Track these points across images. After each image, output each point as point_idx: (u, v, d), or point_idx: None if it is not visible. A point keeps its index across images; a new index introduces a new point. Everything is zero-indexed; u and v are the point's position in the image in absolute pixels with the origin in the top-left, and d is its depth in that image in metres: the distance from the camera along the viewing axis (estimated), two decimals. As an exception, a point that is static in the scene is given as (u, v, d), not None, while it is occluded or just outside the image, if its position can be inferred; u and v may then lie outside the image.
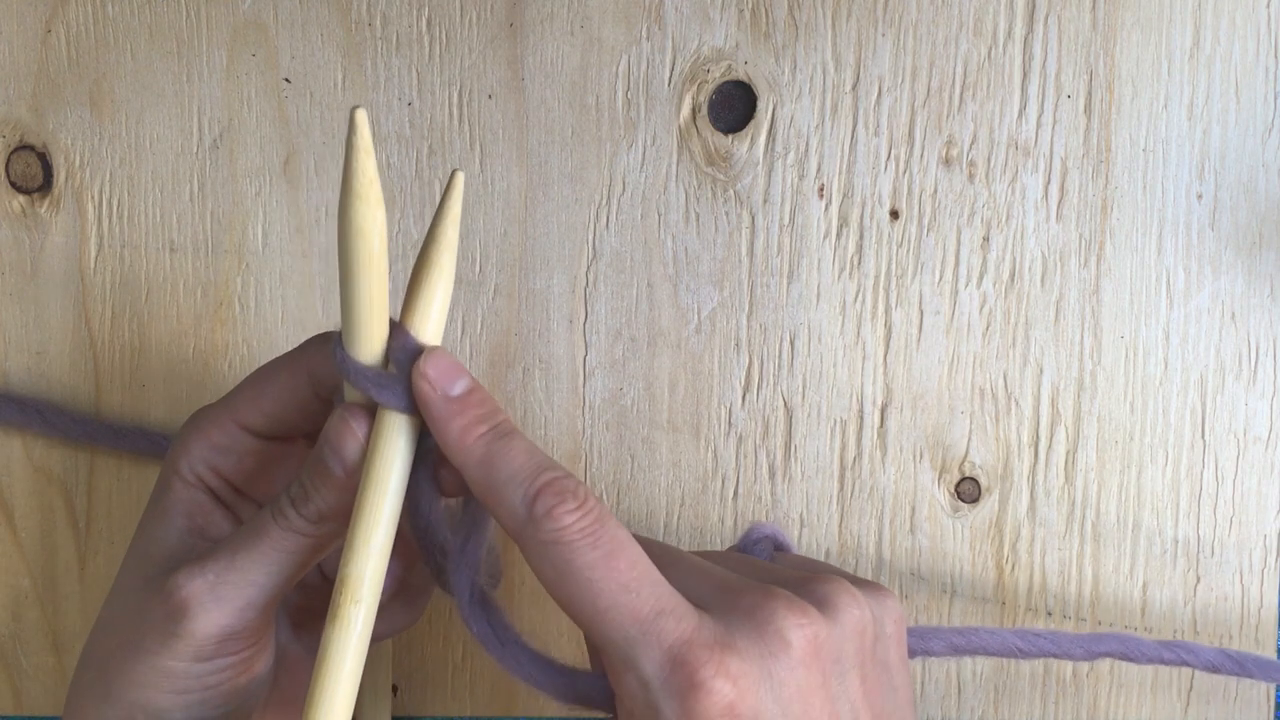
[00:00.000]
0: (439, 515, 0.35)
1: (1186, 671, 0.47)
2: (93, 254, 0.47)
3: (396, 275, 0.47)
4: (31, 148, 0.47)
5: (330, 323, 0.47)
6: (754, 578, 0.34)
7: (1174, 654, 0.44)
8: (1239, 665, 0.45)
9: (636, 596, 0.32)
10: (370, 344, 0.34)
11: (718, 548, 0.48)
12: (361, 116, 0.32)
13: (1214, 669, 0.44)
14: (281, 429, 0.38)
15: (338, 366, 0.34)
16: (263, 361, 0.46)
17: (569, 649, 0.48)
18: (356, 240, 0.33)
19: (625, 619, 0.31)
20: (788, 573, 0.35)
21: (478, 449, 0.33)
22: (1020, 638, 0.42)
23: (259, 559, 0.35)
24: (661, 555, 0.34)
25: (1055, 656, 0.43)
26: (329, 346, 0.35)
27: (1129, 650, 0.44)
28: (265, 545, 0.35)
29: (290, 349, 0.39)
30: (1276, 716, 0.48)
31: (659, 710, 0.31)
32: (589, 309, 0.47)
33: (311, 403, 0.37)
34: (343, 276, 0.33)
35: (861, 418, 0.47)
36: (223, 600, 0.34)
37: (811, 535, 0.47)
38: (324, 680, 0.33)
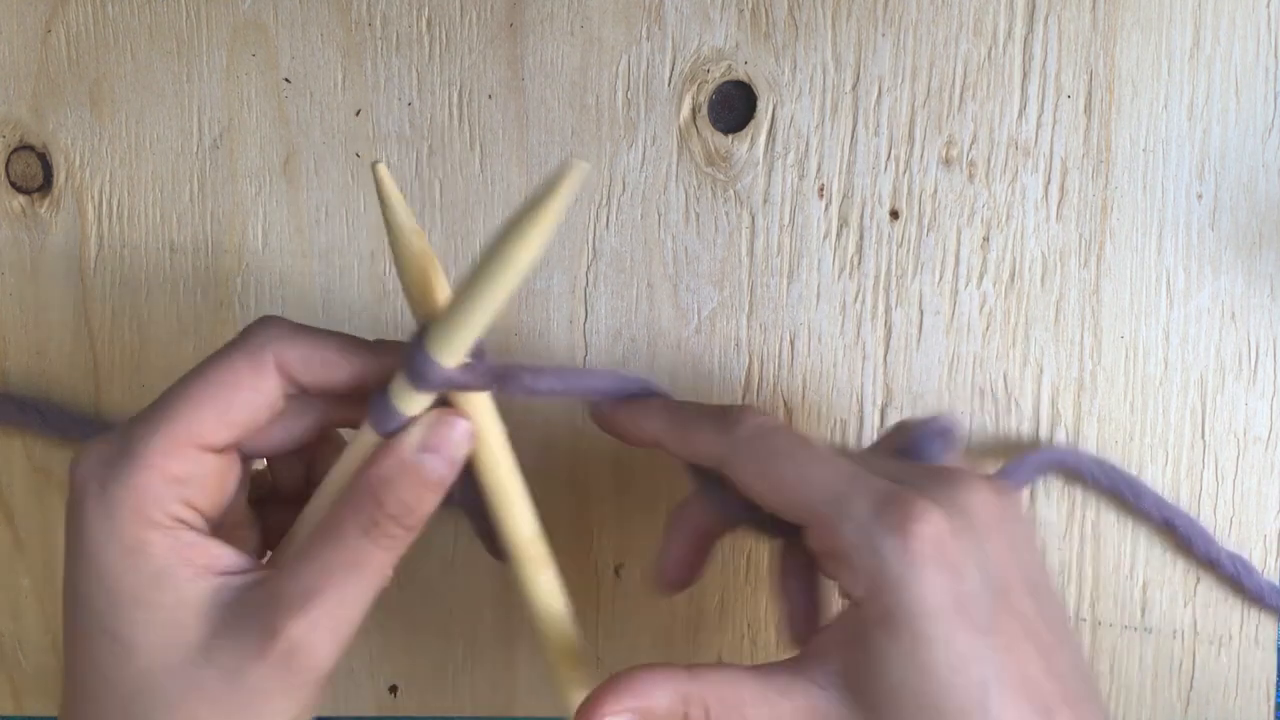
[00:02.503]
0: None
1: (1186, 671, 0.47)
2: (93, 254, 0.47)
3: (394, 274, 0.47)
4: (31, 148, 0.47)
5: (331, 322, 0.47)
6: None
7: (1232, 566, 0.46)
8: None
9: (836, 465, 0.36)
10: (462, 349, 0.35)
11: (719, 548, 0.48)
12: (383, 171, 0.34)
13: (1260, 597, 0.46)
14: (247, 440, 0.35)
15: (418, 376, 0.34)
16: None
17: (569, 649, 0.48)
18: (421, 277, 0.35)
19: (832, 480, 0.35)
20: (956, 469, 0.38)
21: (659, 417, 0.38)
22: None
23: (365, 586, 0.34)
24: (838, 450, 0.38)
25: (1129, 505, 0.46)
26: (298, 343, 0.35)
27: (1196, 537, 0.46)
28: (370, 571, 0.34)
29: (225, 346, 0.35)
30: (1277, 716, 0.48)
31: (879, 548, 0.34)
32: (589, 309, 0.47)
33: (281, 403, 0.36)
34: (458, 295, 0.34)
35: (861, 418, 0.47)
36: (338, 636, 0.34)
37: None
38: (549, 632, 0.37)
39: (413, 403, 0.35)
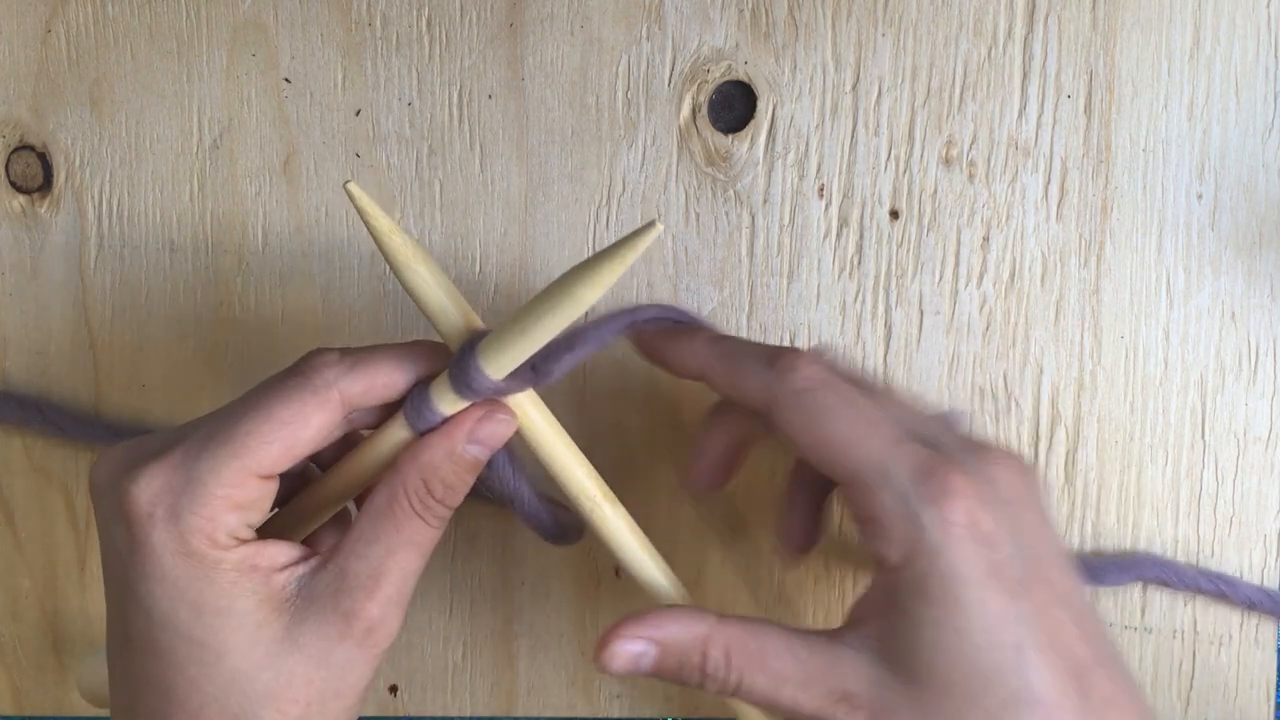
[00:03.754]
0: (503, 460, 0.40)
1: (1186, 671, 0.47)
2: (93, 254, 0.47)
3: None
4: (31, 148, 0.47)
5: (330, 323, 0.47)
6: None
7: (1213, 584, 0.46)
8: (1275, 604, 0.46)
9: (881, 429, 0.36)
10: (512, 366, 0.37)
11: (718, 548, 0.48)
12: (355, 189, 0.36)
13: (1251, 605, 0.46)
14: (298, 464, 0.38)
15: (466, 387, 0.37)
16: (263, 362, 0.47)
17: (569, 648, 0.48)
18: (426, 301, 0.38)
19: (876, 445, 0.36)
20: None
21: (706, 349, 0.39)
22: None
23: (421, 560, 0.38)
24: (888, 388, 0.40)
25: (1090, 582, 0.46)
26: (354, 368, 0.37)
27: (1166, 575, 0.46)
28: (424, 546, 0.38)
29: (281, 383, 0.37)
30: (1277, 716, 0.48)
31: (917, 516, 0.35)
32: (589, 309, 0.47)
33: (337, 430, 0.38)
34: (526, 316, 0.36)
35: (861, 418, 0.47)
36: (404, 606, 0.38)
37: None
38: (629, 557, 0.40)
39: (454, 405, 0.37)
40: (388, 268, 0.47)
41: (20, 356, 0.47)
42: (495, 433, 0.38)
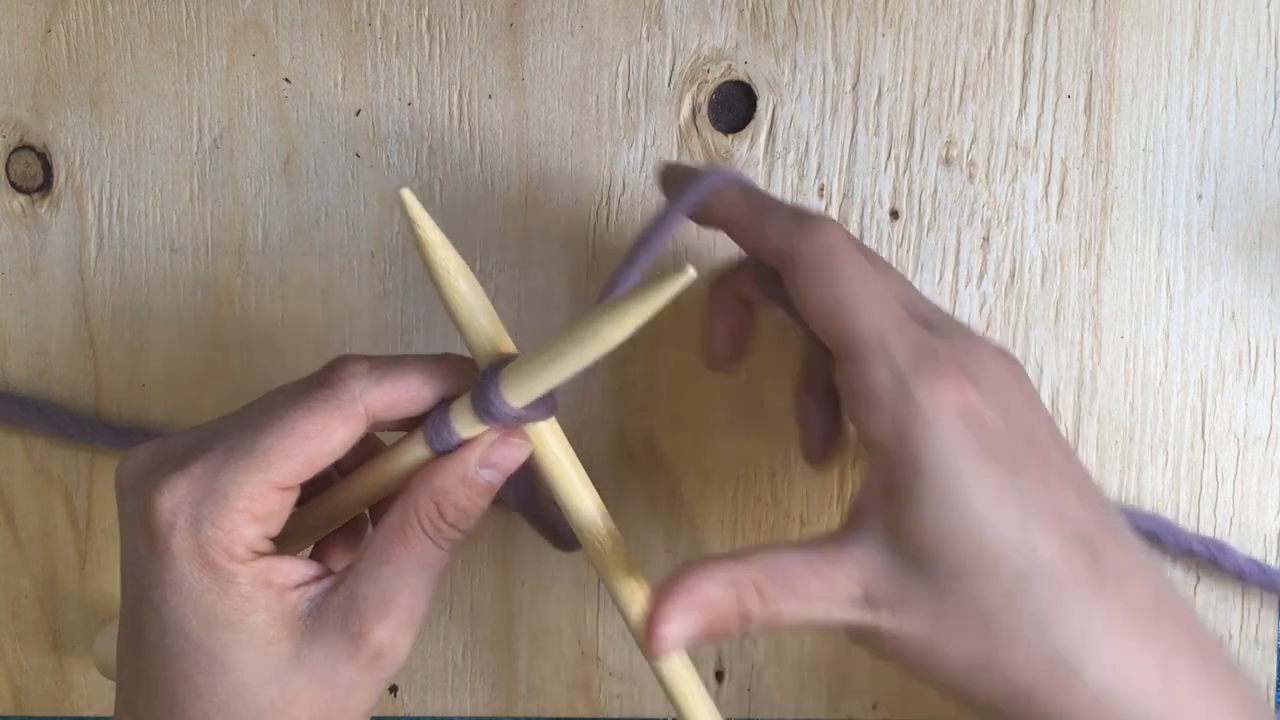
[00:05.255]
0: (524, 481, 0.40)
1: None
2: (93, 254, 0.47)
3: (394, 274, 0.47)
4: (31, 148, 0.47)
5: (330, 323, 0.47)
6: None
7: (1205, 549, 0.45)
8: (1266, 578, 0.46)
9: (886, 303, 0.36)
10: (534, 396, 0.37)
11: (718, 548, 0.48)
12: (409, 197, 0.36)
13: (1241, 575, 0.46)
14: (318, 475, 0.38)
15: (486, 413, 0.37)
16: (262, 362, 0.47)
17: (569, 648, 0.48)
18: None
19: (879, 316, 0.36)
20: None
21: (736, 194, 0.39)
22: None
23: (433, 583, 0.37)
24: (876, 257, 0.39)
25: None
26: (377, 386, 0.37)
27: (1162, 532, 0.45)
28: (437, 570, 0.37)
29: (307, 394, 0.37)
30: (1277, 716, 0.48)
31: (911, 392, 0.35)
32: (590, 309, 0.47)
33: (359, 442, 0.38)
34: (558, 348, 0.36)
35: (861, 418, 0.47)
36: (414, 630, 0.37)
37: (811, 534, 0.47)
38: (616, 587, 0.38)
39: (473, 428, 0.37)
40: (389, 267, 0.47)
41: (20, 356, 0.47)
42: (509, 458, 0.38)
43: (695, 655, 0.48)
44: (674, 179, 0.41)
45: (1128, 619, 0.35)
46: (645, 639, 0.35)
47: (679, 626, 0.35)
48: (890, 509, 0.35)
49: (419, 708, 0.48)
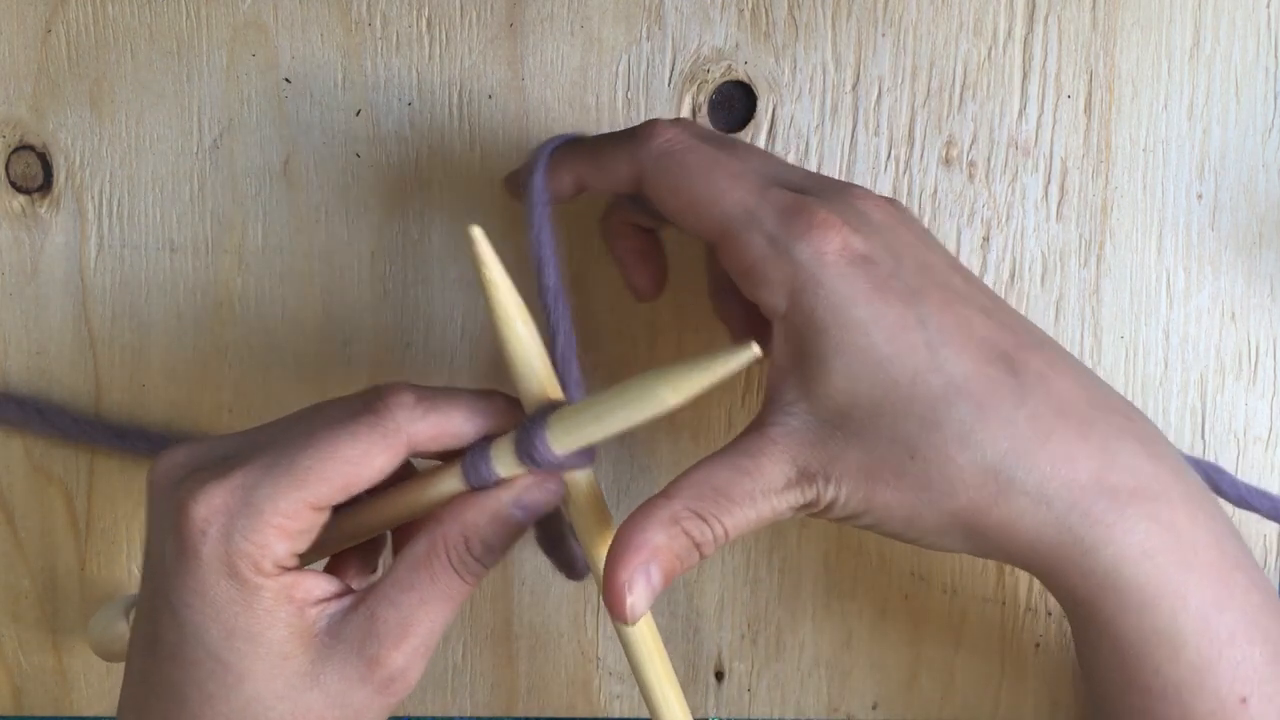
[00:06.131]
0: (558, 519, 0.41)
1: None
2: (93, 254, 0.47)
3: (394, 274, 0.47)
4: (32, 148, 0.47)
5: (330, 323, 0.47)
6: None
7: (1204, 473, 0.44)
8: (1272, 504, 0.45)
9: (744, 179, 0.36)
10: (579, 445, 0.37)
11: (717, 560, 0.48)
12: (478, 235, 0.37)
13: (1242, 502, 0.45)
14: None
15: (529, 458, 0.37)
16: (262, 362, 0.47)
17: (569, 648, 0.48)
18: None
19: (740, 194, 0.36)
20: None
21: (569, 156, 0.39)
22: None
23: (451, 614, 0.38)
24: (747, 145, 0.39)
25: None
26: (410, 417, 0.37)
27: (1219, 481, 0.44)
28: (457, 601, 0.37)
29: (352, 418, 0.36)
30: (1276, 716, 0.48)
31: (790, 254, 0.35)
32: (591, 309, 0.47)
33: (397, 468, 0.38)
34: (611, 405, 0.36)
35: (861, 418, 0.47)
36: (428, 658, 0.38)
37: (812, 534, 0.47)
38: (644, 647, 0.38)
39: (512, 469, 0.37)
40: (389, 267, 0.47)
41: (20, 357, 0.47)
42: (543, 502, 0.38)
43: (695, 656, 0.48)
44: (518, 179, 0.41)
45: (1057, 417, 0.35)
46: (613, 611, 0.35)
47: (641, 589, 0.35)
48: (800, 375, 0.35)
49: (419, 708, 0.48)
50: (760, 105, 0.46)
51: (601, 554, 0.37)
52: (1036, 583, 0.47)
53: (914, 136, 0.46)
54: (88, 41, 0.46)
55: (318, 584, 0.37)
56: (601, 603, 0.48)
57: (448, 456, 0.38)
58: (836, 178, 0.40)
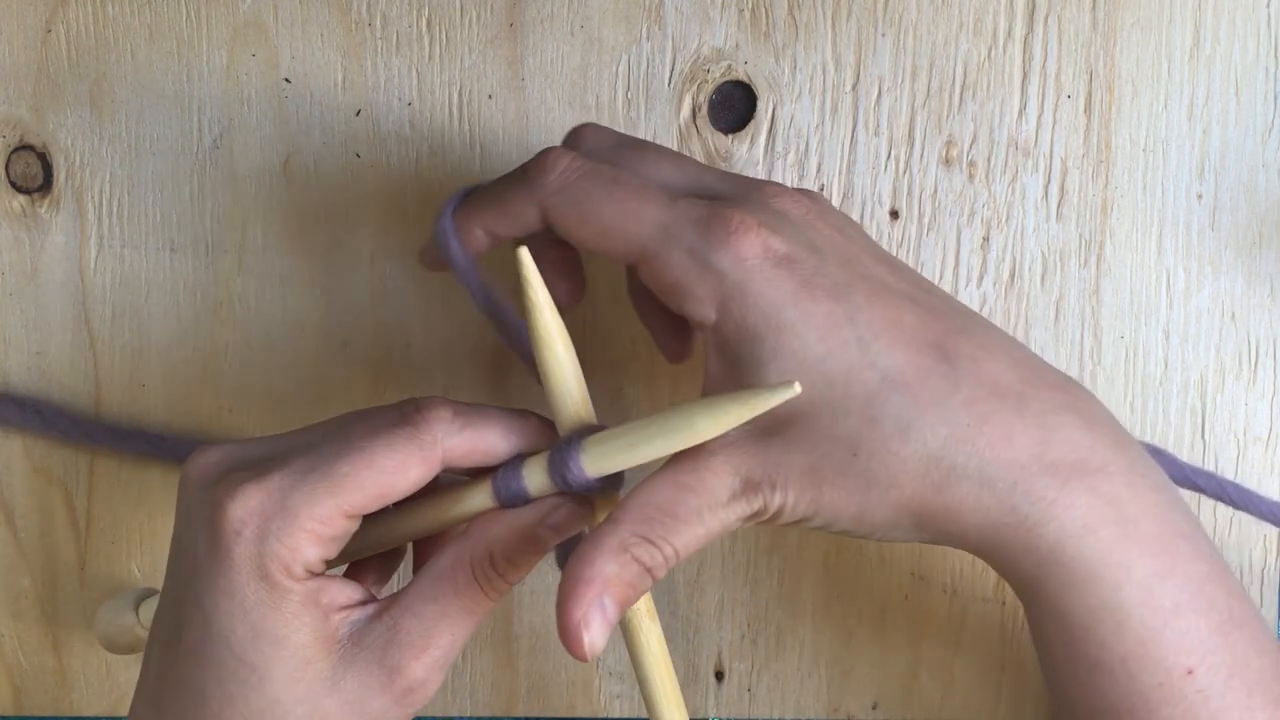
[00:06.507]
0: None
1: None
2: (93, 254, 0.47)
3: (394, 274, 0.47)
4: (31, 147, 0.47)
5: (330, 323, 0.47)
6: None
7: (1208, 483, 0.44)
8: (1216, 485, 0.44)
9: (650, 196, 0.36)
10: (612, 469, 0.37)
11: (717, 549, 0.48)
12: (526, 257, 0.36)
13: (1195, 487, 0.44)
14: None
15: (562, 479, 0.37)
16: (262, 362, 0.47)
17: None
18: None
19: (650, 213, 0.36)
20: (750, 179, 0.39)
21: (473, 209, 0.39)
22: None
23: (473, 627, 0.38)
24: (660, 151, 0.39)
25: None
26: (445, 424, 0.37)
27: (1164, 460, 0.43)
28: (479, 615, 0.37)
29: (389, 428, 0.37)
30: (1276, 716, 0.48)
31: (710, 263, 0.35)
32: (590, 309, 0.47)
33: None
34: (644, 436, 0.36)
35: (861, 418, 0.47)
36: (447, 669, 0.38)
37: (812, 534, 0.47)
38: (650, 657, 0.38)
39: (543, 489, 0.37)
40: (389, 267, 0.47)
41: (20, 357, 0.47)
42: (571, 523, 0.37)
43: (695, 656, 0.48)
44: (432, 253, 0.40)
45: (992, 398, 0.35)
46: (570, 649, 0.35)
47: (597, 625, 0.35)
48: (735, 384, 0.35)
49: (419, 708, 0.48)
50: (760, 105, 0.46)
51: None
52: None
53: (914, 136, 0.46)
54: (88, 41, 0.46)
55: (343, 590, 0.37)
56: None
57: (477, 473, 0.38)
58: (749, 175, 0.40)
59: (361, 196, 0.46)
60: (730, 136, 0.46)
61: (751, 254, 0.35)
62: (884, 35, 0.46)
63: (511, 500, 0.37)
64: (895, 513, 0.35)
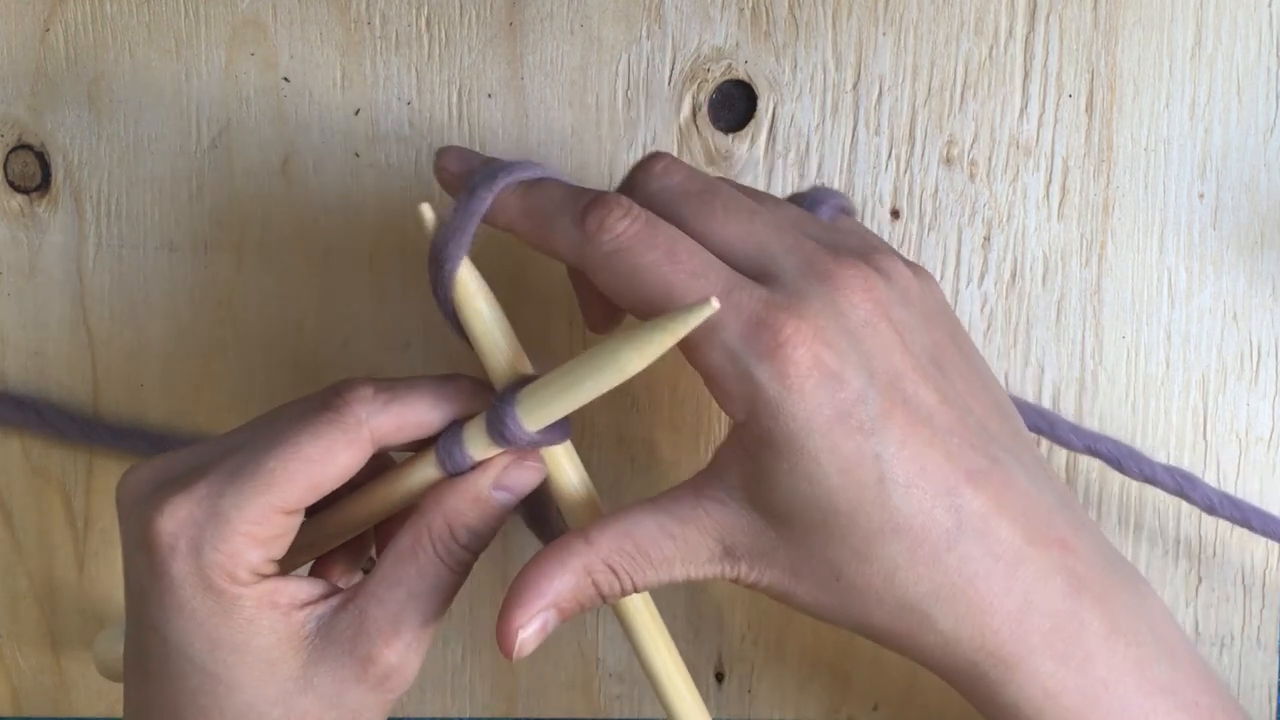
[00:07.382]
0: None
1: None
2: (91, 254, 0.47)
3: (393, 274, 0.47)
4: (30, 147, 0.46)
5: (330, 324, 0.47)
6: (814, 238, 0.36)
7: (1173, 480, 0.44)
8: (1239, 512, 0.44)
9: (706, 280, 0.34)
10: (549, 420, 0.36)
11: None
12: (427, 212, 0.36)
13: (1211, 509, 0.44)
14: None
15: (501, 436, 0.36)
16: (261, 363, 0.47)
17: (569, 649, 0.48)
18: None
19: (699, 297, 0.34)
20: (847, 240, 0.37)
21: (515, 201, 0.37)
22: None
23: (443, 605, 0.37)
24: (728, 202, 0.36)
25: (1047, 438, 0.44)
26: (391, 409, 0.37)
27: (1123, 459, 0.44)
28: (447, 592, 0.37)
29: (311, 417, 0.36)
30: (1277, 717, 0.48)
31: (751, 375, 0.34)
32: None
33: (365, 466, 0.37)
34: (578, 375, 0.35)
35: (862, 418, 0.47)
36: (423, 652, 0.37)
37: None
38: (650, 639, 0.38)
39: (487, 450, 0.37)
40: (389, 267, 0.47)
41: (18, 357, 0.47)
42: (524, 481, 0.37)
43: (695, 657, 0.48)
44: (470, 178, 0.38)
45: (987, 561, 0.34)
46: (501, 646, 0.35)
47: (535, 632, 0.35)
48: (747, 472, 0.35)
49: (418, 708, 0.48)
50: (760, 104, 0.46)
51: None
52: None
53: (915, 136, 0.46)
54: (86, 40, 0.46)
55: (301, 588, 0.37)
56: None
57: (421, 447, 0.38)
58: (867, 233, 0.38)
59: (361, 196, 0.46)
60: (730, 136, 0.46)
61: (796, 371, 0.33)
62: (885, 34, 0.45)
63: (457, 468, 0.37)
64: (861, 628, 0.36)
